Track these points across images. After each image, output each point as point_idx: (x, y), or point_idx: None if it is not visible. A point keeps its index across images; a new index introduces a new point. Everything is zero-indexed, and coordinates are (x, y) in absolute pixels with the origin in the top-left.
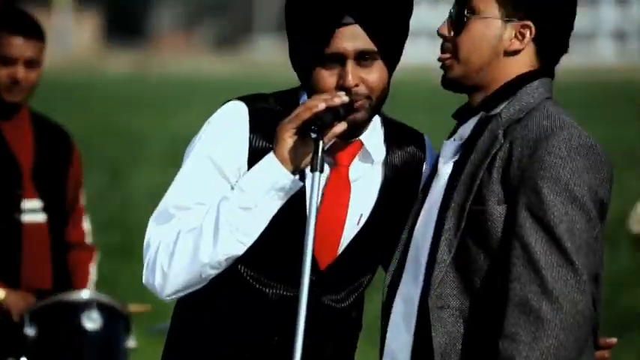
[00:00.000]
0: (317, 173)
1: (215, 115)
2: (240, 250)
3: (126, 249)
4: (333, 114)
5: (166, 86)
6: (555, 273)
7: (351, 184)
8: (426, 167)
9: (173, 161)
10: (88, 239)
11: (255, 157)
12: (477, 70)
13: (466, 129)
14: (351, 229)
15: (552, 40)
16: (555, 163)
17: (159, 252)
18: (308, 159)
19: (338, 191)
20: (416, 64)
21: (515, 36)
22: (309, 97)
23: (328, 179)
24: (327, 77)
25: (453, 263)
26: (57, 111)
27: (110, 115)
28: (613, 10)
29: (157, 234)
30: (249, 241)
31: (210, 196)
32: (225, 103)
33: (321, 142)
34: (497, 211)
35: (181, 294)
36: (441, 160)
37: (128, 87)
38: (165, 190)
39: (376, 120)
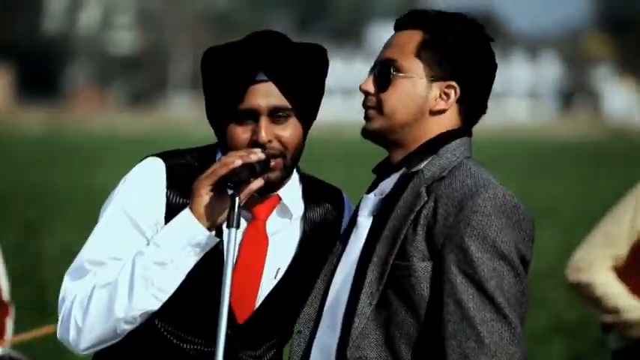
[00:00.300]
0: (233, 229)
1: (132, 171)
2: (155, 305)
3: (40, 305)
4: (250, 170)
5: (81, 143)
6: (490, 327)
7: (269, 238)
8: (343, 223)
9: (88, 218)
10: (5, 296)
11: (172, 212)
12: (401, 125)
13: (387, 184)
14: (268, 283)
15: (474, 101)
16: (481, 222)
17: (73, 307)
18: (224, 215)
19: (255, 245)
20: (331, 122)
21: (440, 96)
22: (224, 153)
23: (245, 233)
24: (241, 133)
25: (373, 315)
26: None
27: (24, 171)
28: (526, 69)
29: (71, 289)
30: (165, 296)
31: (126, 251)
32: (142, 159)
33: (237, 199)
34: (422, 267)
35: (96, 348)
36: (360, 213)
37: (42, 144)
38: (80, 247)
39: (294, 176)
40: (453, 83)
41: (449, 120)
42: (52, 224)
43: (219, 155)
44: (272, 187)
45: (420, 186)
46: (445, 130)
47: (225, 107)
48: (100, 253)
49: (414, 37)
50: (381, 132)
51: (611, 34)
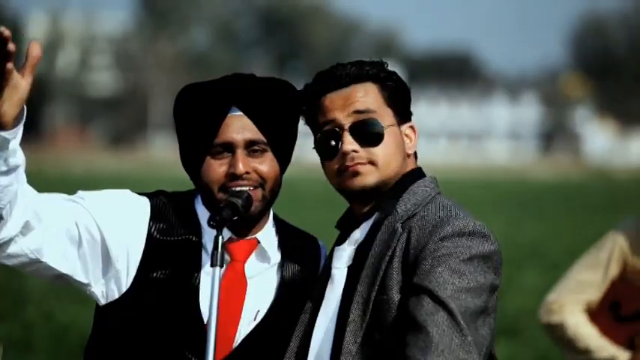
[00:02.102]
0: (217, 268)
1: (121, 191)
2: None
3: (25, 343)
4: (232, 210)
5: (62, 182)
6: (441, 331)
7: (248, 281)
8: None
9: None
10: None
11: (150, 244)
12: (394, 175)
13: (359, 233)
14: (247, 325)
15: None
16: (448, 247)
17: None
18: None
19: (234, 287)
20: (314, 162)
21: (407, 137)
22: (202, 196)
23: (224, 274)
24: (218, 167)
25: (359, 354)
26: None
27: None
28: (505, 110)
29: None
30: None
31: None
32: None
33: (220, 238)
34: (399, 298)
35: None
36: (334, 265)
37: None
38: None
39: (271, 221)
40: (412, 124)
41: (412, 162)
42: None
43: (197, 200)
44: (251, 224)
45: (395, 223)
46: (409, 169)
47: (201, 143)
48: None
49: (372, 90)
50: (379, 184)
51: (590, 74)
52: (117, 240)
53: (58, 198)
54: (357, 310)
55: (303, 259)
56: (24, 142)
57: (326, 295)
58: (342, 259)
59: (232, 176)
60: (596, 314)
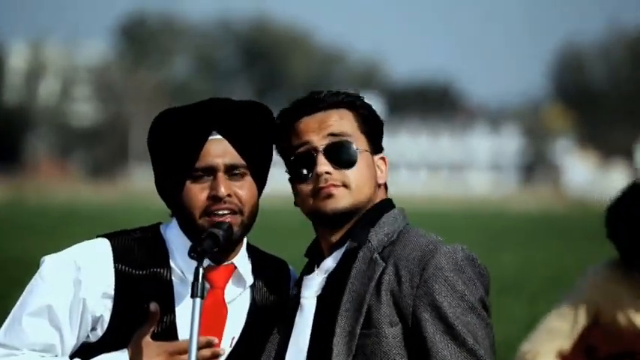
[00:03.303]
0: (197, 299)
1: (72, 250)
2: None
3: None
4: (213, 241)
5: (43, 213)
6: None
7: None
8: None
9: None
10: None
11: (120, 284)
12: (366, 200)
13: (329, 263)
14: (225, 353)
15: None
16: (447, 277)
17: None
18: None
19: (215, 313)
20: (285, 191)
21: (378, 168)
22: (181, 222)
23: (203, 303)
24: (199, 192)
25: None
26: None
27: None
28: (486, 141)
29: None
30: None
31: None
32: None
33: (201, 269)
34: (392, 333)
35: None
36: (303, 294)
37: (4, 214)
38: None
39: (244, 246)
40: (383, 155)
41: (383, 192)
42: (14, 294)
43: (165, 231)
44: (229, 250)
45: (372, 254)
46: (379, 200)
47: (180, 168)
48: (20, 340)
49: (347, 116)
50: (351, 208)
51: (571, 106)
52: (88, 306)
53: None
54: (341, 344)
55: (273, 283)
56: (5, 173)
57: (295, 325)
58: (312, 288)
59: (214, 198)
60: (572, 358)
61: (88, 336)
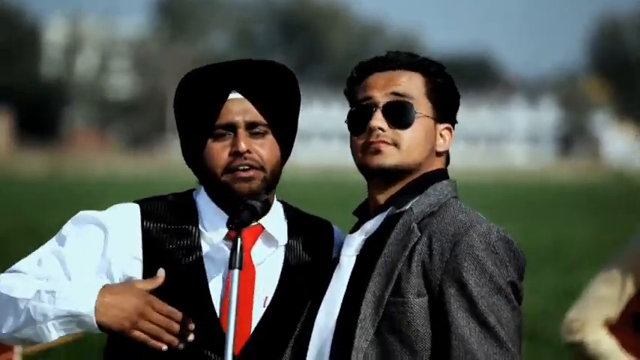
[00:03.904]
0: (236, 270)
1: (105, 211)
2: (37, 337)
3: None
4: (252, 212)
5: (81, 186)
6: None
7: (256, 268)
8: (334, 252)
9: None
10: None
11: (148, 247)
12: (416, 163)
13: (371, 225)
14: (258, 312)
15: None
16: (478, 256)
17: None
18: (119, 319)
19: (243, 276)
20: (330, 165)
21: (442, 137)
22: (207, 185)
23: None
24: (220, 149)
25: (369, 352)
26: None
27: (25, 214)
28: (524, 114)
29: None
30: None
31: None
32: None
33: (239, 240)
34: (417, 303)
35: None
36: (344, 252)
37: (43, 186)
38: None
39: (277, 206)
40: (450, 126)
41: (441, 162)
42: None
43: (198, 197)
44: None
45: (411, 223)
46: (435, 168)
47: (202, 127)
48: (41, 269)
49: (417, 79)
50: (398, 168)
51: (609, 78)
52: (114, 267)
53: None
54: (369, 308)
55: (312, 242)
56: (43, 146)
57: (332, 281)
58: (352, 247)
59: (235, 154)
60: (618, 328)
61: None
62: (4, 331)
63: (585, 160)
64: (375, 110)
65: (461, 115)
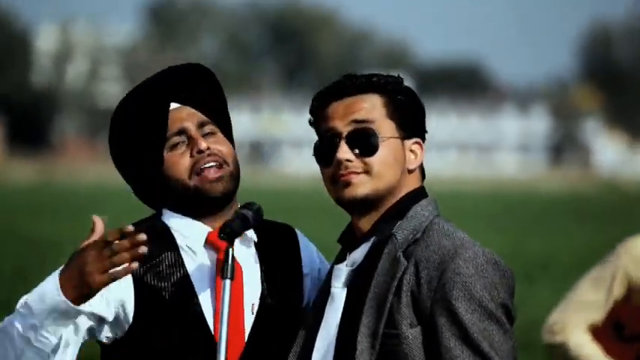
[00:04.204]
0: (227, 280)
1: None
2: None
3: None
4: (243, 222)
5: (72, 194)
6: None
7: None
8: (304, 257)
9: None
10: None
11: (137, 279)
12: (388, 188)
13: (358, 255)
14: (248, 320)
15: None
16: (466, 282)
17: None
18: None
19: (233, 284)
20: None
21: (412, 152)
22: (172, 200)
23: (214, 267)
24: (179, 157)
25: None
26: None
27: (15, 223)
28: (515, 122)
29: None
30: (50, 353)
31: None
32: None
33: (231, 250)
34: (412, 334)
35: None
36: (333, 284)
37: (33, 194)
38: None
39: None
40: (419, 140)
41: (416, 179)
42: (44, 274)
43: (164, 215)
44: (225, 210)
45: (396, 251)
46: (406, 192)
47: (155, 144)
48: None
49: (375, 101)
50: (371, 196)
51: (600, 85)
52: (108, 302)
53: None
54: (365, 342)
55: (279, 243)
56: (34, 154)
57: (325, 315)
58: (340, 278)
59: (198, 153)
60: (601, 333)
61: (112, 336)
62: None
63: (576, 168)
64: (339, 141)
65: (452, 123)
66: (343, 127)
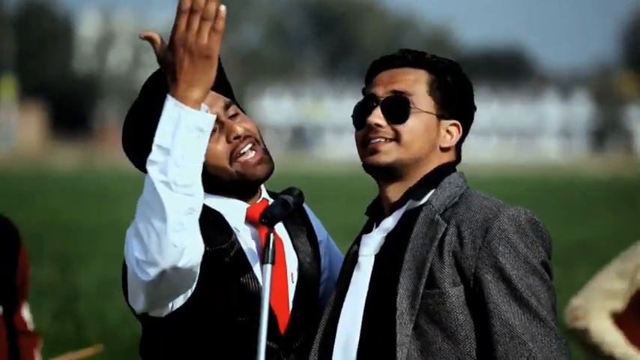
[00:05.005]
0: (269, 265)
1: None
2: (190, 201)
3: (78, 340)
4: (283, 206)
5: (113, 179)
6: (540, 342)
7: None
8: (313, 223)
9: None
10: (31, 326)
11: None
12: (416, 158)
13: (389, 222)
14: (291, 290)
15: (463, 140)
16: (510, 240)
17: (128, 248)
18: (206, 81)
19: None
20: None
21: (449, 133)
22: (214, 186)
23: (259, 241)
24: (214, 145)
25: (410, 347)
26: (3, 206)
27: (58, 208)
28: (557, 108)
29: (127, 236)
30: (194, 189)
31: None
32: None
33: (271, 235)
34: (454, 293)
35: (165, 280)
36: (361, 252)
37: (75, 180)
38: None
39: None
40: (457, 122)
41: (449, 157)
42: (86, 260)
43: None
44: (258, 185)
45: (434, 215)
46: (440, 164)
47: None
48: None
49: (421, 76)
50: (396, 164)
51: None
52: None
53: None
54: (405, 303)
55: (296, 216)
56: (76, 141)
57: (352, 283)
58: (370, 246)
59: (235, 139)
60: (624, 320)
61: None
62: (162, 226)
63: (618, 154)
64: (375, 106)
65: (494, 109)
66: (382, 94)
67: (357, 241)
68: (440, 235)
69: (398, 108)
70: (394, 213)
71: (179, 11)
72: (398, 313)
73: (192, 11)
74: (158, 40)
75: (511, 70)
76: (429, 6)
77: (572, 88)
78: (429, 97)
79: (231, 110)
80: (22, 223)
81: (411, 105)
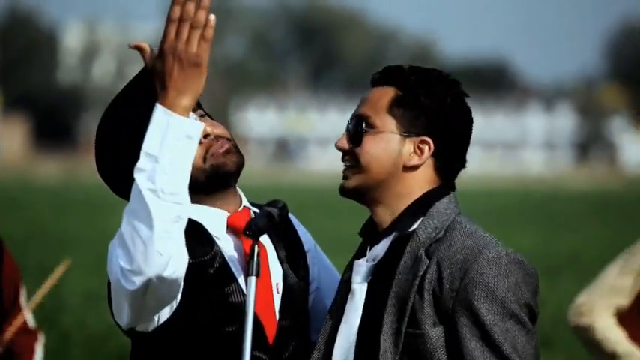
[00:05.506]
0: (253, 277)
1: None
2: (178, 209)
3: (62, 352)
4: (268, 218)
5: (97, 190)
6: None
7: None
8: (301, 236)
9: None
10: (31, 323)
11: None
12: (377, 182)
13: (379, 249)
14: (276, 301)
15: (451, 156)
16: (489, 283)
17: (112, 257)
18: (195, 88)
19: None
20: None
21: (415, 151)
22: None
23: (244, 250)
24: None
25: None
26: None
27: (41, 219)
28: (541, 120)
29: (110, 249)
30: (181, 197)
31: None
32: None
33: (256, 247)
34: (434, 333)
35: (150, 289)
36: (354, 279)
37: (59, 191)
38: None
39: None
40: (427, 139)
41: (423, 175)
42: (70, 271)
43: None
44: (235, 193)
45: (418, 249)
46: (426, 188)
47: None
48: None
49: (387, 94)
50: (358, 189)
51: (626, 84)
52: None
53: None
54: (388, 342)
55: (281, 226)
56: (60, 152)
57: (346, 311)
58: (361, 274)
59: (205, 137)
60: (627, 318)
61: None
62: (148, 234)
63: (602, 166)
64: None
65: (478, 121)
66: (352, 116)
67: (350, 267)
68: (421, 273)
69: (355, 131)
70: (383, 240)
71: (169, 20)
72: (381, 351)
73: (181, 20)
74: (147, 49)
75: (495, 82)
76: (413, 18)
77: (555, 100)
78: (388, 115)
79: (201, 111)
80: (5, 234)
81: (367, 126)
